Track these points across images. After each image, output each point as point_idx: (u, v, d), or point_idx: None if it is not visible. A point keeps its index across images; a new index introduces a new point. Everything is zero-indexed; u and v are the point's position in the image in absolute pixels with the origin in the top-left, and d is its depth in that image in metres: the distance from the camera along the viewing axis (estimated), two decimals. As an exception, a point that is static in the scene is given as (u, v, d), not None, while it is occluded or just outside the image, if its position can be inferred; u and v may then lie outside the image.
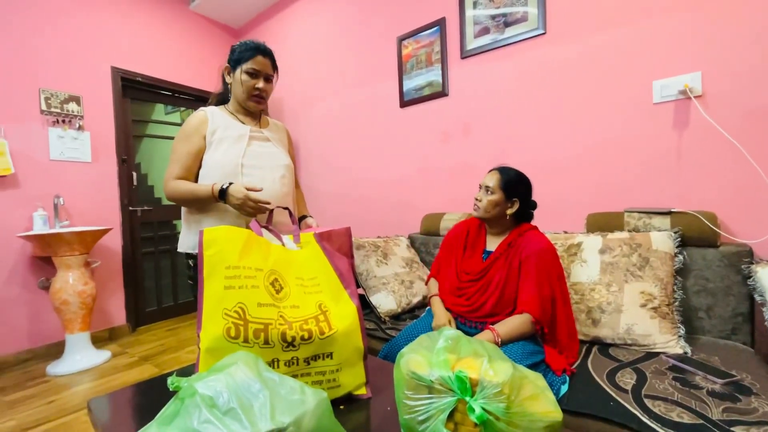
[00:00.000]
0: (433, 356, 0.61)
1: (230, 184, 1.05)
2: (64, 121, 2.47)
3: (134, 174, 2.90)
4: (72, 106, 2.50)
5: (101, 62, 2.68)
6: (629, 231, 1.44)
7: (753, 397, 0.89)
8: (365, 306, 1.73)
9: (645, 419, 0.85)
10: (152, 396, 0.83)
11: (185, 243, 1.21)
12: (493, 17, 1.91)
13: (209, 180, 1.14)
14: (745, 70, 1.32)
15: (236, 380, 0.59)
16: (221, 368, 0.62)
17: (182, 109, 3.82)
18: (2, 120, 2.23)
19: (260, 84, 1.17)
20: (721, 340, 1.24)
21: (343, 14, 2.68)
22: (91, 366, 2.19)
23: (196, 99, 3.36)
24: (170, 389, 0.58)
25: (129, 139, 2.89)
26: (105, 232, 2.32)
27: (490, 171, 1.28)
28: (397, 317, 1.65)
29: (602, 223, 1.54)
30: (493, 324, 1.11)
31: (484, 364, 0.58)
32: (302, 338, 0.76)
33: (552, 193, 1.77)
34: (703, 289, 1.30)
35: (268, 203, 1.04)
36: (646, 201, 1.52)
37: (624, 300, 1.27)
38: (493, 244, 1.28)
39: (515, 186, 1.23)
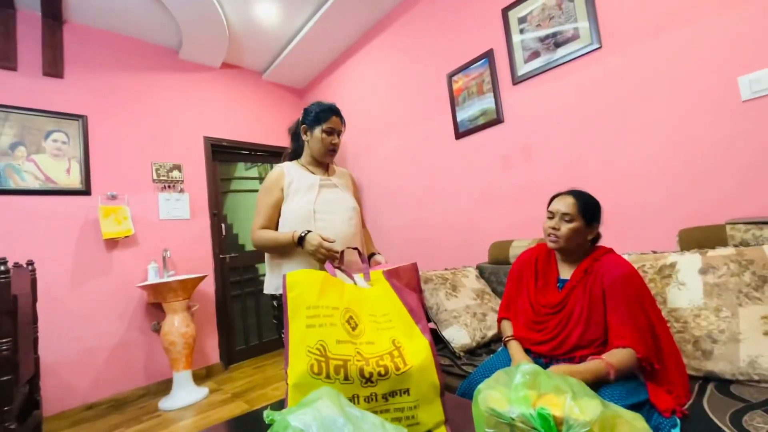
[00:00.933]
0: (512, 392, 0.59)
1: (308, 232, 1.18)
2: (169, 187, 2.94)
3: (222, 225, 3.29)
4: (175, 173, 2.98)
5: (196, 133, 3.18)
6: (735, 246, 1.26)
7: None
8: (438, 341, 1.70)
9: (789, 474, 0.71)
10: (247, 429, 0.91)
11: (270, 285, 1.34)
12: (542, 39, 1.91)
13: (287, 226, 1.29)
14: None
15: (323, 414, 0.63)
16: (308, 403, 0.67)
17: (258, 164, 4.31)
18: (126, 191, 2.73)
19: (335, 140, 1.35)
20: None
21: (394, 59, 2.88)
22: (193, 402, 2.42)
23: (269, 154, 3.78)
24: (266, 422, 0.65)
25: (218, 196, 3.32)
26: (202, 278, 2.64)
27: (560, 196, 1.19)
28: (472, 352, 1.59)
29: (699, 238, 1.36)
30: (582, 357, 1.03)
31: (568, 400, 0.55)
32: (379, 374, 0.77)
33: (633, 209, 1.63)
34: None
35: (338, 252, 1.13)
36: (749, 210, 1.33)
37: (741, 327, 1.09)
38: (566, 271, 1.20)
39: (594, 209, 1.15)
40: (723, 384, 1.07)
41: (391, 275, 0.98)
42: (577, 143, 1.82)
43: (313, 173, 1.38)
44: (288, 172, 1.36)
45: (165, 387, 2.64)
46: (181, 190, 3.00)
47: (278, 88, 3.87)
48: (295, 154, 1.47)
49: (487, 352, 1.59)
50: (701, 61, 1.44)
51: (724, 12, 1.37)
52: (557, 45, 1.85)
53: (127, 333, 2.61)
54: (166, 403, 2.39)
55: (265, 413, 0.65)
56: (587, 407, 0.54)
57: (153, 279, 2.62)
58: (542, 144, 1.96)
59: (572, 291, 1.13)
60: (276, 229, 1.33)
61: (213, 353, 3.04)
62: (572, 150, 1.84)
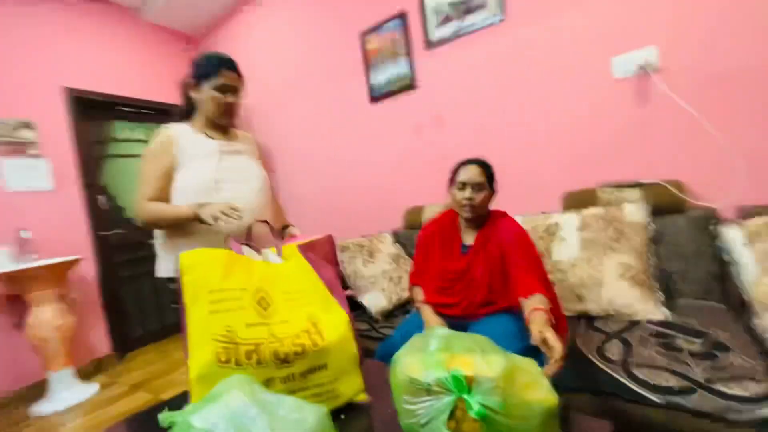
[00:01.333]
0: (427, 358, 0.61)
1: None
2: (17, 150, 2.33)
3: (103, 197, 2.78)
4: (25, 133, 2.36)
5: (51, 83, 2.53)
6: (603, 206, 1.49)
7: (730, 353, 0.95)
8: (356, 307, 1.73)
9: (634, 387, 0.89)
10: (148, 428, 0.80)
11: (164, 267, 1.17)
12: (454, 4, 1.91)
13: (184, 199, 1.10)
14: (698, 41, 1.38)
15: (231, 408, 0.57)
16: (214, 397, 0.61)
17: (144, 124, 3.68)
18: (-52, 155, 2.09)
19: (230, 99, 1.14)
20: (697, 301, 1.31)
21: (301, 13, 2.62)
22: (79, 401, 2.11)
23: (159, 113, 3.24)
24: (164, 426, 0.57)
25: (92, 161, 2.76)
26: (75, 262, 2.22)
27: (467, 165, 1.21)
28: (389, 314, 1.65)
29: (578, 200, 1.58)
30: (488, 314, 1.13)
31: (477, 359, 0.59)
32: (295, 353, 0.75)
33: (528, 175, 1.80)
34: (675, 254, 1.36)
35: (240, 214, 1.00)
36: (617, 175, 1.57)
37: (605, 273, 1.32)
38: (469, 237, 1.26)
39: (493, 175, 1.23)
40: (590, 321, 1.29)
41: (306, 249, 0.93)
42: (483, 112, 1.92)
43: (211, 137, 1.17)
44: (179, 135, 1.14)
45: (38, 390, 2.23)
46: (36, 155, 2.41)
47: (165, 33, 3.27)
48: (187, 113, 1.24)
49: (403, 313, 1.67)
50: (584, 41, 1.59)
51: (605, -4, 1.52)
52: (467, 12, 1.88)
53: (-26, 334, 2.10)
54: (42, 408, 2.04)
55: (161, 416, 0.57)
56: (494, 363, 0.58)
57: (5, 266, 2.12)
58: (453, 111, 2.02)
59: (475, 257, 1.20)
60: (168, 201, 1.13)
61: (102, 344, 2.65)
62: (479, 118, 1.94)
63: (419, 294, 1.31)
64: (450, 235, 1.30)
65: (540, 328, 0.83)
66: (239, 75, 1.15)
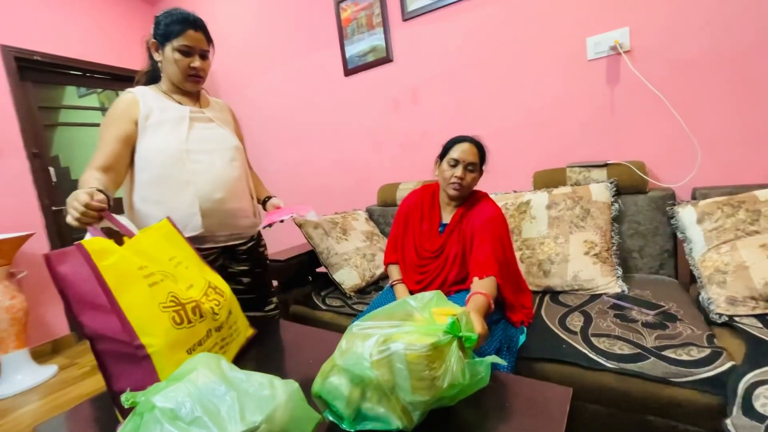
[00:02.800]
0: (429, 328, 0.61)
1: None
2: (-52, 114, 2.09)
3: (52, 169, 2.57)
4: (-44, 95, 2.11)
5: (-15, 40, 2.26)
6: (572, 185, 1.53)
7: (678, 322, 1.02)
8: (329, 284, 1.72)
9: (592, 356, 0.95)
10: (111, 410, 0.77)
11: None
12: (432, -25, 1.84)
13: (150, 170, 1.01)
14: (668, 24, 1.40)
15: (198, 386, 0.56)
16: (180, 376, 0.59)
17: (99, 90, 3.39)
18: None
19: (196, 63, 1.04)
20: (652, 276, 1.40)
21: (272, -26, 2.45)
22: (36, 384, 2.01)
23: (113, 78, 2.99)
24: (125, 406, 0.54)
25: (39, 129, 2.53)
26: (25, 238, 2.06)
27: (462, 142, 1.17)
28: (362, 291, 1.66)
29: (547, 179, 1.62)
30: (458, 291, 1.15)
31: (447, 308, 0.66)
32: (216, 305, 0.85)
33: (502, 154, 1.81)
34: (635, 232, 1.44)
35: (105, 206, 0.83)
36: (587, 155, 1.62)
37: (570, 250, 1.37)
38: (447, 215, 1.25)
39: (485, 157, 1.21)
40: (555, 295, 1.35)
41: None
42: (459, 88, 1.90)
43: (180, 104, 1.08)
44: (143, 99, 1.03)
45: (-10, 373, 2.11)
46: (-28, 120, 2.17)
47: (117, -11, 2.96)
48: (152, 76, 1.12)
49: (376, 290, 1.67)
50: (561, 19, 1.59)
51: (583, -27, 1.51)
52: (446, -18, 1.81)
53: None
54: (-5, 392, 1.93)
55: (123, 396, 0.55)
56: (455, 308, 0.66)
57: (-57, 242, 1.93)
58: (429, 87, 1.99)
59: (450, 236, 1.20)
60: (125, 171, 1.02)
61: (59, 324, 2.51)
62: (454, 95, 1.92)
63: (395, 272, 1.30)
64: (429, 212, 1.29)
65: (477, 315, 0.81)
66: (207, 36, 1.05)
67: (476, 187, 1.25)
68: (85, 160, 3.24)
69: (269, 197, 1.24)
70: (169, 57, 1.02)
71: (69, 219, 0.78)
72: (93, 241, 0.70)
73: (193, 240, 1.05)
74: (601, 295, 1.27)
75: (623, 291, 1.27)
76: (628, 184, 1.46)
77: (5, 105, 2.33)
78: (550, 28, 1.61)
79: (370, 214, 2.10)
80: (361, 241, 1.80)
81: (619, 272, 1.33)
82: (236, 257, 1.19)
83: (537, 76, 1.68)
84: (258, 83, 2.71)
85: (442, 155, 1.21)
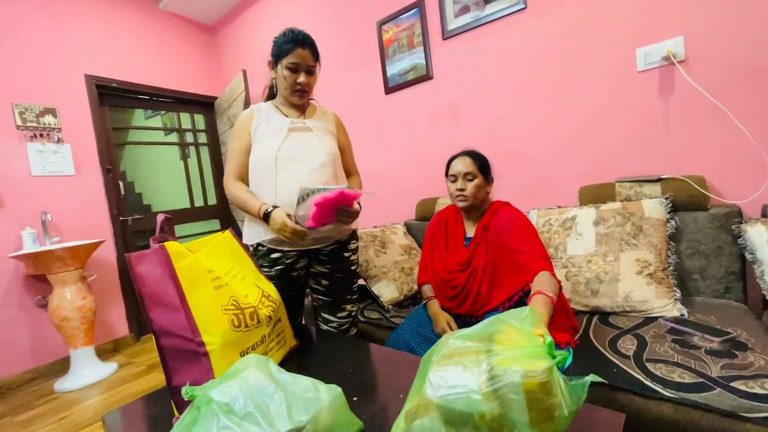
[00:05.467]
0: (532, 349, 0.48)
1: (274, 208, 1.06)
2: (42, 135, 2.40)
3: (121, 183, 2.85)
4: (48, 119, 2.43)
5: (74, 71, 2.59)
6: (621, 201, 1.46)
7: (749, 352, 0.93)
8: (367, 296, 1.74)
9: (648, 382, 0.88)
10: (166, 405, 0.83)
11: (248, 235, 1.22)
12: (473, -6, 1.87)
13: (252, 179, 1.17)
14: (724, 32, 1.32)
15: (250, 384, 0.59)
16: (233, 374, 0.63)
17: (162, 112, 3.74)
18: (-23, 139, 2.17)
19: (301, 78, 1.14)
20: (716, 300, 1.28)
21: (318, 3, 2.61)
22: (99, 379, 2.19)
23: (175, 101, 3.28)
24: (185, 399, 0.59)
25: (111, 148, 2.83)
26: (97, 245, 2.29)
27: (458, 157, 1.23)
28: (399, 304, 1.66)
29: (594, 195, 1.55)
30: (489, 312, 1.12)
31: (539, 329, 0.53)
32: (272, 311, 0.90)
33: (545, 168, 1.78)
34: (695, 251, 1.33)
35: (306, 232, 1.03)
36: (637, 169, 1.54)
37: (621, 269, 1.30)
38: (471, 229, 1.27)
39: (487, 164, 1.24)
40: (604, 316, 1.28)
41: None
42: (500, 103, 1.89)
43: (285, 115, 1.20)
44: (258, 113, 1.19)
45: (61, 367, 2.33)
46: (59, 140, 2.48)
47: (182, 22, 3.30)
48: (272, 91, 1.27)
49: (414, 303, 1.67)
50: (608, 30, 1.55)
51: (631, -16, 1.48)
52: (486, 1, 1.84)
53: (1, 311, 2.19)
54: (64, 384, 2.13)
55: (184, 389, 0.59)
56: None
57: (31, 247, 2.20)
58: (468, 103, 2.00)
59: (476, 248, 1.20)
60: (248, 178, 1.19)
61: (120, 325, 2.74)
62: (495, 110, 1.91)
63: (427, 290, 1.32)
64: (454, 227, 1.31)
65: (541, 316, 0.82)
66: (313, 52, 1.15)
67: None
68: (147, 175, 3.57)
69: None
70: (280, 74, 1.15)
71: (287, 235, 1.04)
72: (173, 245, 0.78)
73: (274, 243, 1.13)
74: (656, 318, 1.19)
75: (683, 315, 1.17)
76: (686, 200, 1.36)
77: (87, 127, 2.63)
78: (596, 40, 1.58)
79: (408, 228, 2.11)
80: (400, 254, 1.82)
81: (678, 294, 1.23)
82: (319, 258, 1.24)
83: (582, 89, 1.64)
84: (303, 103, 2.86)
85: (446, 175, 1.27)
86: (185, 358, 0.78)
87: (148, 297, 0.77)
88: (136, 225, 2.92)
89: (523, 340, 0.49)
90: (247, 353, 0.83)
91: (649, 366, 0.93)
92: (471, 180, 1.19)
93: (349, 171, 1.35)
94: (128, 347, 2.72)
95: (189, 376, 0.77)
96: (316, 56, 1.16)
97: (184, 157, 3.44)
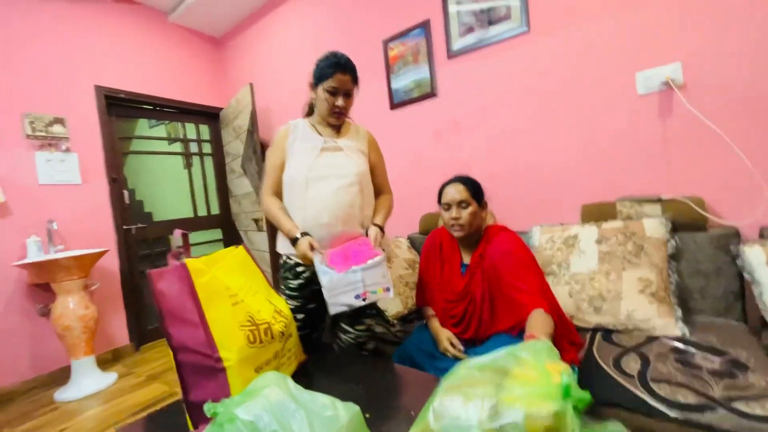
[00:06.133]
0: (544, 387, 0.46)
1: (303, 235, 1.11)
2: (50, 144, 2.43)
3: (125, 192, 2.87)
4: (57, 128, 2.46)
5: (84, 82, 2.63)
6: (623, 220, 1.50)
7: (750, 372, 0.95)
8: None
9: (653, 402, 0.90)
10: (180, 419, 0.84)
11: (281, 245, 1.29)
12: (477, 14, 1.94)
13: (285, 195, 1.23)
14: (722, 58, 1.38)
15: (272, 402, 0.61)
16: (255, 391, 0.64)
17: (166, 122, 3.78)
18: (-13, 148, 2.19)
19: (340, 101, 1.19)
20: (716, 319, 1.31)
21: (325, 18, 2.68)
22: (99, 389, 2.17)
23: (180, 111, 3.33)
24: (207, 415, 0.61)
25: (117, 157, 2.85)
26: (102, 254, 2.30)
27: (450, 184, 1.20)
28: (404, 319, 1.68)
29: (596, 213, 1.59)
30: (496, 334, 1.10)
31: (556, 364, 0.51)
32: (285, 326, 0.92)
33: (546, 186, 1.81)
34: (695, 271, 1.36)
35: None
36: (637, 189, 1.58)
37: (623, 287, 1.32)
38: (467, 254, 1.24)
39: (480, 189, 1.20)
40: (607, 333, 1.30)
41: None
42: (501, 123, 1.94)
43: (320, 134, 1.25)
44: (294, 130, 1.25)
45: (62, 377, 2.31)
46: (67, 149, 2.50)
47: (190, 34, 3.36)
48: (311, 109, 1.33)
49: (418, 317, 1.69)
50: (609, 54, 1.61)
51: (631, 10, 1.54)
52: (490, 22, 1.90)
53: (3, 319, 2.19)
54: (65, 394, 2.11)
55: (206, 406, 0.61)
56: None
57: (35, 256, 2.21)
58: (471, 120, 2.05)
59: (472, 277, 1.18)
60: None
61: (121, 334, 2.73)
62: (497, 129, 1.96)
63: (428, 310, 1.31)
64: (449, 252, 1.28)
65: None
66: (353, 77, 1.20)
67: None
68: (149, 184, 3.59)
69: (375, 224, 1.22)
70: (320, 96, 1.20)
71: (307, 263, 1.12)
72: (193, 261, 0.80)
73: (301, 258, 1.16)
74: (658, 337, 1.21)
75: (684, 334, 1.20)
76: (686, 221, 1.40)
77: (95, 137, 2.67)
78: (597, 63, 1.63)
79: (412, 242, 2.14)
80: (404, 269, 1.84)
81: (679, 313, 1.26)
82: None
83: (583, 110, 1.69)
84: (308, 116, 2.91)
85: (439, 201, 1.24)
86: (202, 374, 0.79)
87: (168, 313, 0.79)
88: (139, 233, 2.93)
89: (536, 377, 0.47)
90: (261, 369, 0.85)
91: (654, 386, 0.95)
92: (465, 208, 1.16)
93: (381, 189, 1.37)
94: (128, 357, 2.70)
95: (206, 392, 0.79)
96: (355, 80, 1.22)
97: (188, 166, 3.47)
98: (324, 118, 1.25)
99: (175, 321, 0.78)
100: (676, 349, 1.11)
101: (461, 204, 1.16)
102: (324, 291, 1.04)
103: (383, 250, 1.11)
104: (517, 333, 1.05)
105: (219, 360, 0.78)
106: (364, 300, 1.03)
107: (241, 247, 1.04)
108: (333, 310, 1.05)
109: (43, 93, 2.43)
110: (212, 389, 0.78)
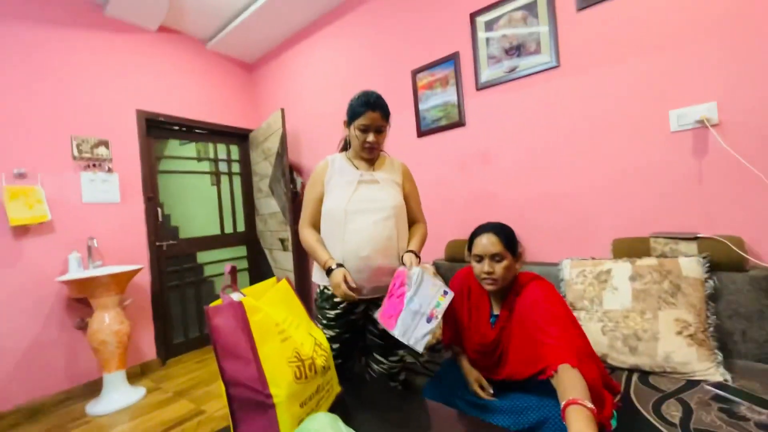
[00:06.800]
0: None
1: (338, 266, 1.17)
2: (94, 165, 2.57)
3: (159, 210, 2.99)
4: (101, 150, 2.61)
5: (127, 106, 2.80)
6: (657, 257, 1.48)
7: (801, 428, 0.92)
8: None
9: (698, 455, 0.88)
10: (228, 452, 0.87)
11: (317, 275, 1.34)
12: (507, 50, 1.99)
13: (323, 227, 1.28)
14: (759, 100, 1.38)
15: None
16: (311, 433, 0.67)
17: (196, 141, 3.93)
18: (38, 168, 2.34)
19: (371, 138, 1.26)
20: (758, 364, 1.27)
21: (356, 48, 2.78)
22: (128, 404, 2.23)
23: (210, 132, 3.47)
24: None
25: (154, 177, 2.99)
26: (138, 271, 2.40)
27: (480, 235, 1.13)
28: (432, 348, 1.68)
29: (629, 248, 1.58)
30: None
31: None
32: (326, 360, 0.94)
33: (577, 219, 1.81)
34: (735, 313, 1.33)
35: (355, 297, 1.15)
36: (670, 226, 1.56)
37: (659, 327, 1.31)
38: (497, 305, 1.18)
39: (514, 239, 1.13)
40: (644, 375, 1.28)
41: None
42: (530, 154, 1.96)
43: (356, 168, 1.32)
44: (332, 164, 1.33)
45: (93, 389, 2.39)
46: (109, 170, 2.65)
47: (224, 60, 3.53)
48: (347, 144, 1.41)
49: (446, 348, 1.69)
50: (641, 92, 1.62)
51: (664, 51, 1.56)
52: (520, 57, 1.95)
53: (43, 332, 2.29)
54: (96, 408, 2.18)
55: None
56: None
57: (75, 271, 2.32)
58: (499, 151, 2.08)
59: (502, 331, 1.12)
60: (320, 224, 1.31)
61: (149, 349, 2.80)
62: (525, 161, 1.98)
63: (455, 347, 1.29)
64: (478, 300, 1.22)
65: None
66: (384, 113, 1.26)
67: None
68: (178, 201, 3.71)
69: (409, 251, 1.22)
70: (353, 133, 1.28)
71: (339, 294, 1.16)
72: (248, 300, 0.84)
73: (334, 289, 1.20)
74: (699, 382, 1.18)
75: (726, 380, 1.17)
76: (724, 261, 1.38)
77: (134, 158, 2.81)
78: (629, 100, 1.65)
79: (438, 268, 2.15)
80: (431, 296, 1.85)
81: (720, 358, 1.23)
82: (377, 304, 1.23)
83: (615, 145, 1.70)
84: (335, 142, 2.99)
85: (469, 248, 1.17)
86: (252, 409, 0.83)
87: (222, 348, 0.83)
88: (169, 250, 3.04)
89: None
90: (305, 404, 0.88)
91: (698, 437, 0.93)
92: (499, 261, 1.09)
93: (415, 218, 1.41)
94: (155, 371, 2.77)
95: (255, 426, 0.82)
96: (386, 117, 1.28)
97: (217, 183, 3.60)
98: (357, 153, 1.32)
99: (229, 356, 0.82)
100: (718, 397, 1.09)
101: (495, 257, 1.09)
102: (400, 339, 1.05)
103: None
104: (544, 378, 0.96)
105: (269, 396, 0.81)
106: (436, 318, 1.05)
107: (284, 281, 1.08)
108: (420, 347, 1.05)
109: (90, 117, 2.59)
110: (261, 424, 0.81)
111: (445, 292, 1.08)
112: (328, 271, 1.18)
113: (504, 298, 1.15)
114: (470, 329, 1.21)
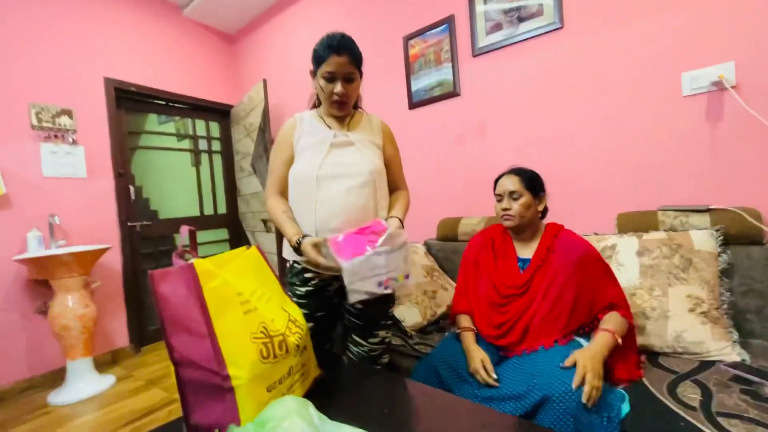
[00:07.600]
0: None
1: (305, 237, 1.00)
2: (56, 136, 2.35)
3: (131, 188, 2.79)
4: (64, 120, 2.39)
5: (93, 73, 2.57)
6: (665, 230, 1.37)
7: (836, 410, 0.82)
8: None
9: (726, 442, 0.78)
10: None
11: (287, 250, 1.16)
12: (506, 12, 1.84)
13: (292, 193, 1.11)
14: (781, 58, 1.26)
15: (294, 438, 0.50)
16: (272, 421, 0.54)
17: (176, 118, 3.71)
18: (-9, 137, 2.12)
19: (338, 88, 1.04)
20: (775, 344, 1.18)
21: (343, 14, 2.60)
22: (95, 393, 2.07)
23: (191, 108, 3.26)
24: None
25: (124, 152, 2.78)
26: (104, 251, 2.21)
27: (504, 176, 1.20)
28: (422, 330, 1.56)
29: (634, 222, 1.47)
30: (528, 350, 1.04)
31: None
32: (299, 338, 0.80)
33: (578, 192, 1.70)
34: (750, 289, 1.24)
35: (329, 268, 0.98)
36: (680, 198, 1.46)
37: (670, 305, 1.20)
38: (524, 250, 1.19)
39: (536, 181, 1.18)
40: (653, 356, 1.17)
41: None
42: (529, 125, 1.83)
43: (328, 127, 1.11)
44: (301, 123, 1.13)
45: (57, 378, 2.21)
46: (74, 142, 2.43)
47: (203, 30, 3.30)
48: (319, 100, 1.19)
49: (437, 329, 1.57)
50: (651, 54, 1.50)
51: (676, 10, 1.43)
52: (520, 20, 1.80)
53: (0, 316, 2.10)
54: (59, 397, 2.01)
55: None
56: None
57: (36, 250, 2.12)
58: (496, 122, 1.94)
59: (537, 270, 1.11)
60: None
61: (120, 335, 2.63)
62: (524, 131, 1.85)
63: (463, 320, 1.20)
64: (503, 248, 1.23)
65: (583, 353, 0.91)
66: (352, 58, 1.04)
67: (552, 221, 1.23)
68: (157, 180, 3.50)
69: (394, 217, 1.10)
70: (317, 84, 1.08)
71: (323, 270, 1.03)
72: (202, 262, 0.69)
73: (310, 264, 1.06)
74: (714, 362, 1.08)
75: (744, 360, 1.07)
76: (738, 233, 1.28)
77: (102, 130, 2.59)
78: (638, 63, 1.52)
79: (429, 248, 2.02)
80: (422, 276, 1.72)
81: (735, 336, 1.13)
82: None
83: (621, 112, 1.58)
84: (322, 114, 2.82)
85: (495, 192, 1.23)
86: (207, 393, 0.68)
87: (170, 321, 0.68)
88: (144, 231, 2.85)
89: None
90: (273, 388, 0.74)
91: (722, 421, 0.83)
92: (516, 199, 1.14)
93: (396, 185, 1.23)
94: (127, 359, 2.60)
95: (211, 414, 0.68)
96: (355, 62, 1.06)
97: (197, 164, 3.40)
98: (327, 109, 1.13)
99: (179, 330, 0.67)
100: (737, 378, 0.99)
101: (512, 194, 1.15)
102: (344, 275, 0.91)
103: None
104: (567, 341, 1.03)
105: (227, 378, 0.66)
106: (386, 288, 0.92)
107: (254, 248, 0.93)
108: (353, 298, 0.92)
109: (51, 83, 2.36)
110: (218, 411, 0.67)
111: (407, 276, 0.97)
112: (296, 249, 1.01)
113: (533, 240, 1.19)
114: (496, 276, 1.19)
